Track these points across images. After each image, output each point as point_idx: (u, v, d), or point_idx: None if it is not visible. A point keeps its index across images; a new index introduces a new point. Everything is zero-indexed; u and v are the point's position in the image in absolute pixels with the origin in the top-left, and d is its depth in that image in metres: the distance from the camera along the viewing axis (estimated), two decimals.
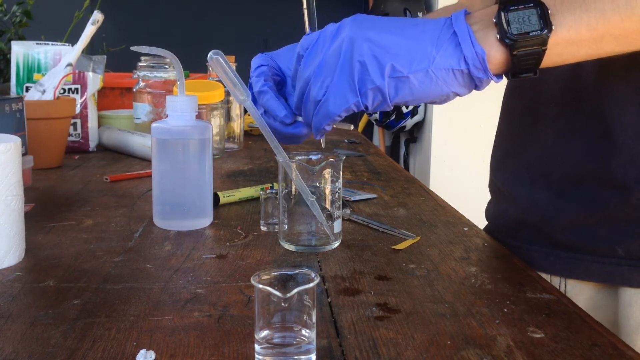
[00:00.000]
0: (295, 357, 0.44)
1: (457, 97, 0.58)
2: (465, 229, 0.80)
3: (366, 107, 0.57)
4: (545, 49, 0.53)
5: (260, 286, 0.44)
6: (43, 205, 0.89)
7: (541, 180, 0.73)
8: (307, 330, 0.45)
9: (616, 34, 0.53)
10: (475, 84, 0.55)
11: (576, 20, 0.53)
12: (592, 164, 0.67)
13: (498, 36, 0.53)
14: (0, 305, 0.54)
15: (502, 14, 0.53)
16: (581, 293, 0.71)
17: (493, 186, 0.84)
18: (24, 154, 0.99)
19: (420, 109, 2.85)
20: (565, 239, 0.71)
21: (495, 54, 0.54)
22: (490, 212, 0.85)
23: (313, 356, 0.45)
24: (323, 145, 0.72)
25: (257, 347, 0.45)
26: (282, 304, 0.44)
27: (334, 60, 0.57)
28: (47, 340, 0.48)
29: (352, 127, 0.70)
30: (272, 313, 0.44)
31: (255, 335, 0.45)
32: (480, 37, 0.54)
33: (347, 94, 0.56)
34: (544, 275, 0.73)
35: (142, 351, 0.46)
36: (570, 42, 0.53)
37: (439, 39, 0.54)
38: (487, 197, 0.87)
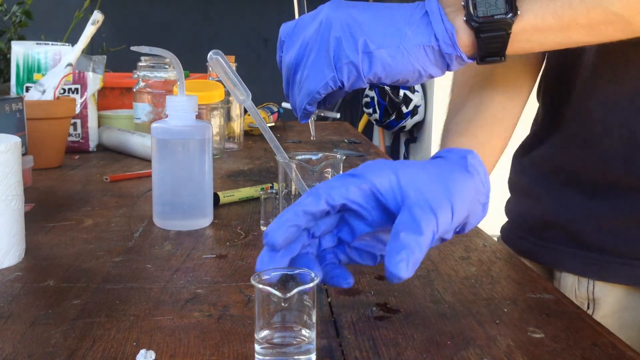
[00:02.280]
0: (295, 357, 0.44)
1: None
2: None
3: (342, 83, 0.57)
4: (510, 33, 0.54)
5: (260, 286, 0.43)
6: (43, 205, 0.89)
7: (572, 183, 0.73)
8: (307, 330, 0.45)
9: (583, 24, 0.53)
10: (446, 62, 0.56)
11: (543, 8, 0.54)
12: (619, 170, 0.67)
13: (465, 18, 0.54)
14: (0, 305, 0.55)
15: None
16: (609, 295, 0.70)
17: (516, 185, 0.83)
18: (24, 154, 0.99)
19: (420, 109, 2.85)
20: (595, 240, 0.70)
21: (463, 35, 0.55)
22: (511, 209, 0.85)
23: (313, 356, 0.45)
24: (312, 133, 0.71)
25: (257, 347, 0.45)
26: (282, 304, 0.43)
27: (313, 41, 0.58)
28: (47, 340, 0.48)
29: (338, 115, 0.70)
30: (272, 313, 0.44)
31: (255, 335, 0.45)
32: (450, 19, 0.55)
33: (325, 69, 0.57)
34: (571, 276, 0.73)
35: (142, 351, 0.46)
36: (537, 28, 0.54)
37: (411, 17, 0.55)
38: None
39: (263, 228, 0.79)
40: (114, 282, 0.60)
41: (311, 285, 0.44)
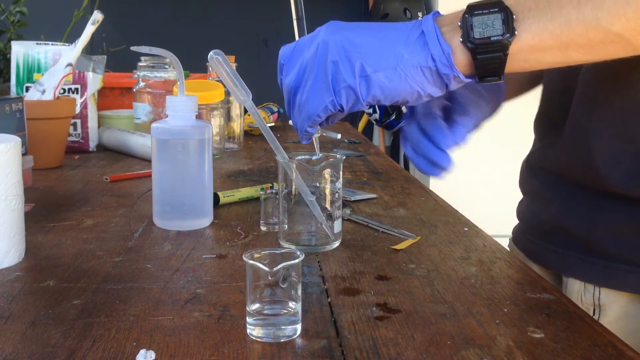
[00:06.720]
0: (283, 326, 0.49)
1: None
2: (465, 229, 0.80)
3: (341, 107, 0.58)
4: (507, 54, 0.54)
5: (251, 262, 0.49)
6: (43, 205, 0.89)
7: (580, 189, 0.72)
8: (293, 303, 0.50)
9: (582, 44, 0.53)
10: (444, 82, 0.56)
11: (541, 28, 0.53)
12: (621, 183, 0.66)
13: (461, 39, 0.54)
14: (0, 305, 0.55)
15: (467, 17, 0.54)
16: (615, 302, 0.70)
17: (528, 187, 0.83)
18: (24, 154, 0.99)
19: None
20: (601, 247, 0.69)
21: (460, 56, 0.55)
22: (522, 212, 0.84)
23: (299, 326, 0.50)
24: (317, 152, 0.72)
25: (248, 319, 0.50)
26: (270, 278, 0.49)
27: (311, 65, 0.58)
28: (47, 340, 0.48)
29: (339, 136, 0.71)
30: (261, 287, 0.49)
31: (247, 308, 0.50)
32: (446, 39, 0.55)
33: (323, 94, 0.57)
34: (577, 282, 0.73)
35: (142, 351, 0.46)
36: (535, 48, 0.54)
37: (407, 38, 0.55)
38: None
39: (263, 228, 0.79)
40: (114, 282, 0.60)
41: (295, 261, 0.49)
